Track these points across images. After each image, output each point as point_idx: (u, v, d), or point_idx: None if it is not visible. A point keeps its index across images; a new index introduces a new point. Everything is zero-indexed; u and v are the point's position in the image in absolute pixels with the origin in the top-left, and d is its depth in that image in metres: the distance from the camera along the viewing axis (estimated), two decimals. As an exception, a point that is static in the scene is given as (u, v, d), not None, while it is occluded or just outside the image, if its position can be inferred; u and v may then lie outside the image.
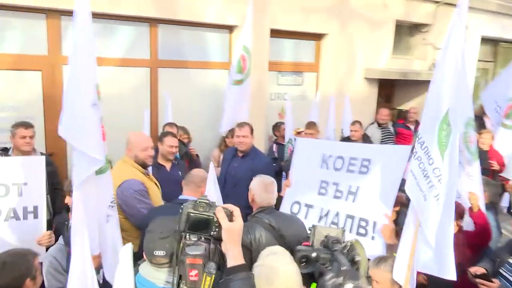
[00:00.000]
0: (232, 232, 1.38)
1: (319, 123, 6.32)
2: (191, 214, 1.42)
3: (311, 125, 5.41)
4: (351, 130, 5.79)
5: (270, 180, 3.01)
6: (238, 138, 4.30)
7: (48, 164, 4.23)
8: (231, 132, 5.05)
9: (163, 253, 1.74)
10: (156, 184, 3.45)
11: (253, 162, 4.22)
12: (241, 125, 4.36)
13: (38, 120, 4.67)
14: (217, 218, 1.39)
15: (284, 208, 3.58)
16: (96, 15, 4.77)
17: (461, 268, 3.00)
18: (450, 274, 2.30)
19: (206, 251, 1.44)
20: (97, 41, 4.92)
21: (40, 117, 4.73)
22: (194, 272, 1.41)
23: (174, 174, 4.11)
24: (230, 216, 1.41)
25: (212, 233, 1.43)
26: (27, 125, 3.91)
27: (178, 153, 4.63)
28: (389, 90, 8.12)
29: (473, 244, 3.16)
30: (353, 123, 5.83)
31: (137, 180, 3.14)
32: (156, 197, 3.26)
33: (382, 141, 6.68)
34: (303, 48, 6.74)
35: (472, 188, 3.53)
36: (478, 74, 9.33)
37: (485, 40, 8.85)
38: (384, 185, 3.07)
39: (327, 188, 3.40)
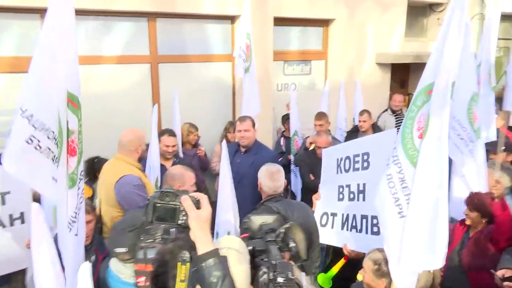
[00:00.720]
0: (199, 219, 1.36)
1: (329, 113, 6.10)
2: (157, 205, 1.39)
3: (321, 116, 5.19)
4: (359, 121, 5.53)
5: (276, 168, 3.05)
6: (239, 133, 4.12)
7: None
8: (233, 126, 4.89)
9: (125, 249, 1.78)
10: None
11: (256, 157, 4.05)
12: (242, 119, 4.19)
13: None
14: (184, 207, 1.37)
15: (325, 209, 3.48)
16: (91, 12, 4.71)
17: (483, 268, 2.78)
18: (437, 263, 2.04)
19: (160, 254, 1.41)
20: (95, 39, 4.82)
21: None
22: (142, 279, 1.38)
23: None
24: (197, 204, 1.38)
25: (179, 222, 1.40)
26: None
27: (179, 152, 4.54)
28: (403, 74, 7.78)
29: (496, 240, 2.91)
30: (361, 112, 5.56)
31: (135, 176, 3.11)
32: (150, 192, 3.17)
33: (397, 129, 6.39)
34: (310, 36, 6.49)
35: (475, 169, 3.32)
36: (501, 54, 8.85)
37: (506, 17, 8.36)
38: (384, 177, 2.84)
39: (343, 192, 3.25)
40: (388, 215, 2.20)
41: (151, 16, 5.05)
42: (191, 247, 1.49)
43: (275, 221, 1.77)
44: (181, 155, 4.73)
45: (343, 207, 3.23)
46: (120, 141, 3.25)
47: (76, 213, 2.11)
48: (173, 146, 4.07)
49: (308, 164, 4.67)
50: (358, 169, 3.10)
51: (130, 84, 5.10)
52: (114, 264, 1.91)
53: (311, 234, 2.81)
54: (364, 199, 3.04)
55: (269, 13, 5.61)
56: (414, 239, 2.01)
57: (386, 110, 6.59)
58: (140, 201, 2.99)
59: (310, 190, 4.24)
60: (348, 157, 3.20)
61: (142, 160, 3.90)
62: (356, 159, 3.11)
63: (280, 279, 1.40)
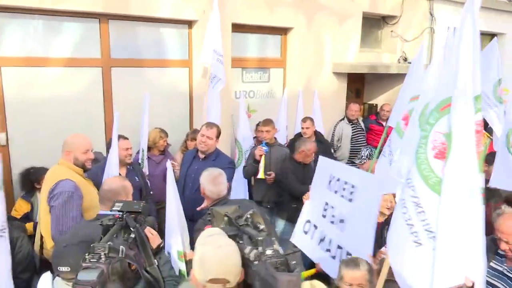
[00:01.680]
0: None
1: (288, 121, 6.11)
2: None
3: (267, 122, 5.10)
4: (302, 128, 5.54)
5: (217, 172, 3.01)
6: (202, 137, 3.98)
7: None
8: (194, 134, 4.75)
9: (67, 268, 1.69)
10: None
11: (215, 164, 3.91)
12: (209, 125, 4.09)
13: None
14: None
15: (299, 222, 3.47)
16: (38, 11, 4.40)
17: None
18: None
19: (103, 275, 1.35)
20: (41, 39, 4.52)
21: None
22: None
23: (130, 180, 3.80)
24: None
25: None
26: None
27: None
28: (358, 84, 7.96)
29: None
30: (304, 119, 5.59)
31: (71, 181, 2.87)
32: (93, 201, 2.92)
33: (353, 137, 6.49)
34: (269, 43, 6.46)
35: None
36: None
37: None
38: (363, 221, 2.80)
39: (327, 211, 3.20)
40: (402, 244, 2.10)
41: (103, 17, 4.80)
42: (141, 265, 1.53)
43: (236, 210, 1.83)
44: (141, 161, 4.56)
45: (324, 225, 3.19)
46: (64, 145, 3.07)
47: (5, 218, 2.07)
48: (128, 149, 3.88)
49: (294, 171, 4.66)
50: (343, 196, 3.04)
51: (81, 88, 4.81)
52: (58, 284, 1.79)
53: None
54: (342, 230, 2.99)
55: (227, 19, 5.52)
56: (449, 263, 1.93)
57: (343, 119, 6.68)
58: (69, 209, 2.79)
59: (297, 198, 4.22)
60: (339, 179, 3.13)
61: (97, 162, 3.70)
62: (345, 186, 3.05)
63: (268, 252, 1.46)
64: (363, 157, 4.73)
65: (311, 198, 3.44)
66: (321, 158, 3.48)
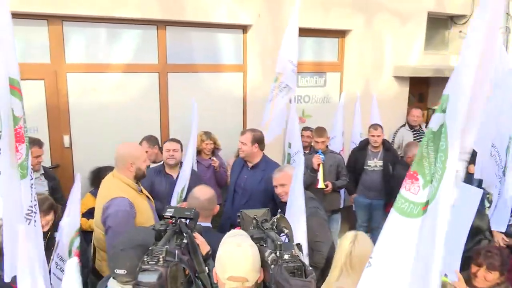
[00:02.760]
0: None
1: (344, 127, 5.86)
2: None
3: (321, 133, 4.86)
4: (373, 135, 5.21)
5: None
6: (239, 144, 3.95)
7: (51, 178, 4.08)
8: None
9: (124, 271, 1.70)
10: (149, 197, 3.14)
11: (265, 173, 3.82)
12: (243, 131, 4.04)
13: (42, 131, 4.50)
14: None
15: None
16: (98, 19, 4.59)
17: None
18: None
19: (162, 278, 1.41)
20: (102, 46, 4.71)
21: (44, 128, 4.54)
22: None
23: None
24: None
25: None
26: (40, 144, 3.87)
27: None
28: (422, 88, 7.47)
29: None
30: (375, 127, 5.24)
31: (125, 199, 2.76)
32: (145, 215, 2.89)
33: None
34: (325, 47, 6.26)
35: None
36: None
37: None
38: (455, 236, 2.57)
39: None
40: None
41: (161, 24, 4.91)
42: (194, 269, 1.64)
43: (264, 213, 1.91)
44: (195, 165, 4.59)
45: None
46: (115, 156, 2.94)
47: (33, 203, 2.08)
48: (174, 150, 3.92)
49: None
50: None
51: (138, 94, 4.95)
52: (112, 286, 1.80)
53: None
54: None
55: (282, 23, 5.42)
56: None
57: (403, 125, 6.31)
58: (121, 228, 2.66)
59: None
60: None
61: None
62: None
63: (286, 256, 1.52)
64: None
65: None
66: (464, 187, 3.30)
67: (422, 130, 6.21)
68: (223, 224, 4.05)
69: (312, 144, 5.08)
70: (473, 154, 3.40)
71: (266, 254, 1.57)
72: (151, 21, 4.82)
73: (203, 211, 2.58)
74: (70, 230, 2.89)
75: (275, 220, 1.82)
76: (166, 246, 1.56)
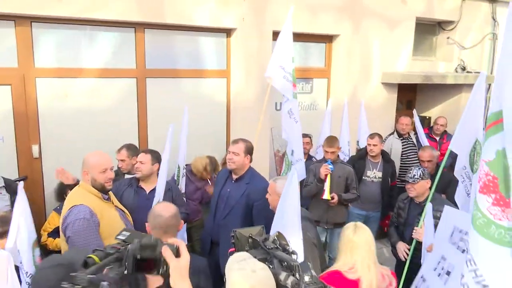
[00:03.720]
0: (179, 268, 1.34)
1: (331, 133, 5.66)
2: (137, 257, 1.32)
3: (332, 142, 4.60)
4: (369, 144, 5.00)
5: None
6: (229, 154, 3.65)
7: (14, 192, 3.75)
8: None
9: None
10: (122, 209, 2.92)
11: (249, 187, 3.58)
12: (235, 141, 3.73)
13: (9, 140, 4.17)
14: (164, 257, 1.32)
15: (416, 278, 3.17)
16: (71, 21, 4.31)
17: None
18: None
19: None
20: (75, 50, 4.42)
21: (11, 137, 4.21)
22: None
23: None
24: (176, 252, 1.35)
25: (160, 272, 1.35)
26: None
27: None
28: (410, 95, 7.35)
29: None
30: (372, 136, 5.02)
31: (85, 207, 2.59)
32: (113, 224, 2.67)
33: (403, 154, 5.92)
34: (312, 52, 6.07)
35: None
36: None
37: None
38: None
39: (440, 264, 2.90)
40: None
41: (139, 26, 4.64)
42: None
43: (259, 232, 1.72)
44: (177, 178, 4.36)
45: (431, 278, 2.91)
46: (83, 165, 2.79)
47: None
48: (141, 162, 3.66)
49: None
50: (458, 247, 2.73)
51: (114, 100, 4.66)
52: None
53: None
54: (445, 283, 2.72)
55: (267, 27, 5.21)
56: None
57: (392, 133, 6.14)
58: (85, 238, 2.52)
59: None
60: (461, 231, 2.78)
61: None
62: (464, 236, 2.68)
63: (306, 278, 1.41)
64: (416, 176, 4.18)
65: (432, 251, 3.10)
66: (446, 209, 3.10)
67: (411, 139, 6.05)
68: (204, 238, 3.82)
69: (323, 153, 4.80)
70: None
71: (282, 277, 1.41)
72: (129, 23, 4.55)
73: (169, 229, 2.35)
74: (28, 247, 2.61)
75: (275, 238, 1.65)
76: (90, 276, 1.30)
